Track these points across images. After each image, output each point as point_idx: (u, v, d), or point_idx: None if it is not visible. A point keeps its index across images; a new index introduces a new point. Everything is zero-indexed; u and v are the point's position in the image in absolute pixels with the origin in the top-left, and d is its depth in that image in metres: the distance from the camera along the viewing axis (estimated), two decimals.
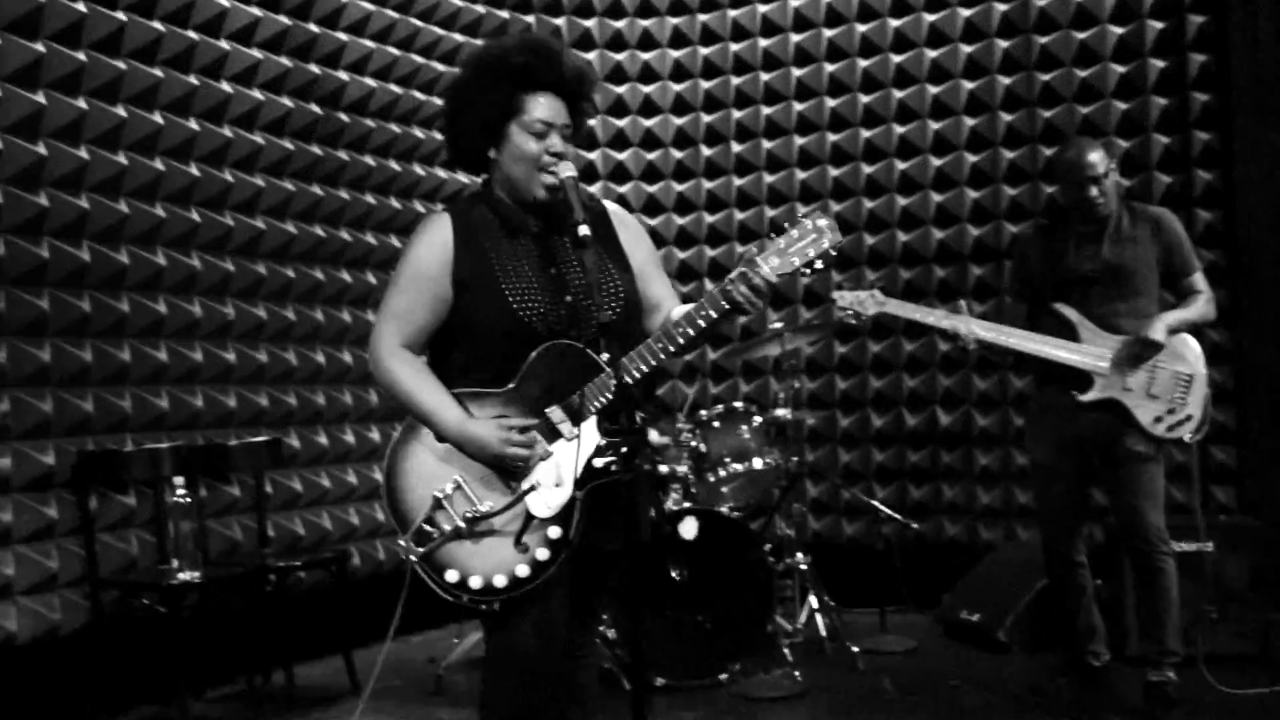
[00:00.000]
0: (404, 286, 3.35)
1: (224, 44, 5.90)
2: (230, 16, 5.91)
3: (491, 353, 3.27)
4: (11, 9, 5.03)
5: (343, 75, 6.55)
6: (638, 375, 3.14)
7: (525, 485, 3.19)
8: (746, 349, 6.44)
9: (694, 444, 6.00)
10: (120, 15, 5.41)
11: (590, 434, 3.19)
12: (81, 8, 5.25)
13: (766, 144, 7.78)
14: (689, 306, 3.20)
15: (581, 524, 3.17)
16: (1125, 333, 4.90)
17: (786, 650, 5.70)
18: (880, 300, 5.06)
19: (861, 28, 7.51)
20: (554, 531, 3.15)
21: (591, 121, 7.81)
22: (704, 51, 7.87)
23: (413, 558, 3.23)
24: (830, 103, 7.61)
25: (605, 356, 3.16)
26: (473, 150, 3.38)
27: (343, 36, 6.53)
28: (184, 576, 5.08)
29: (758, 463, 6.03)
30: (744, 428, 6.08)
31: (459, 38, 7.30)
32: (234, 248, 6.02)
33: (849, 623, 6.48)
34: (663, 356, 3.16)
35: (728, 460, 6.01)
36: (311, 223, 6.44)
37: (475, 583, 3.17)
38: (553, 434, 3.21)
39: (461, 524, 3.20)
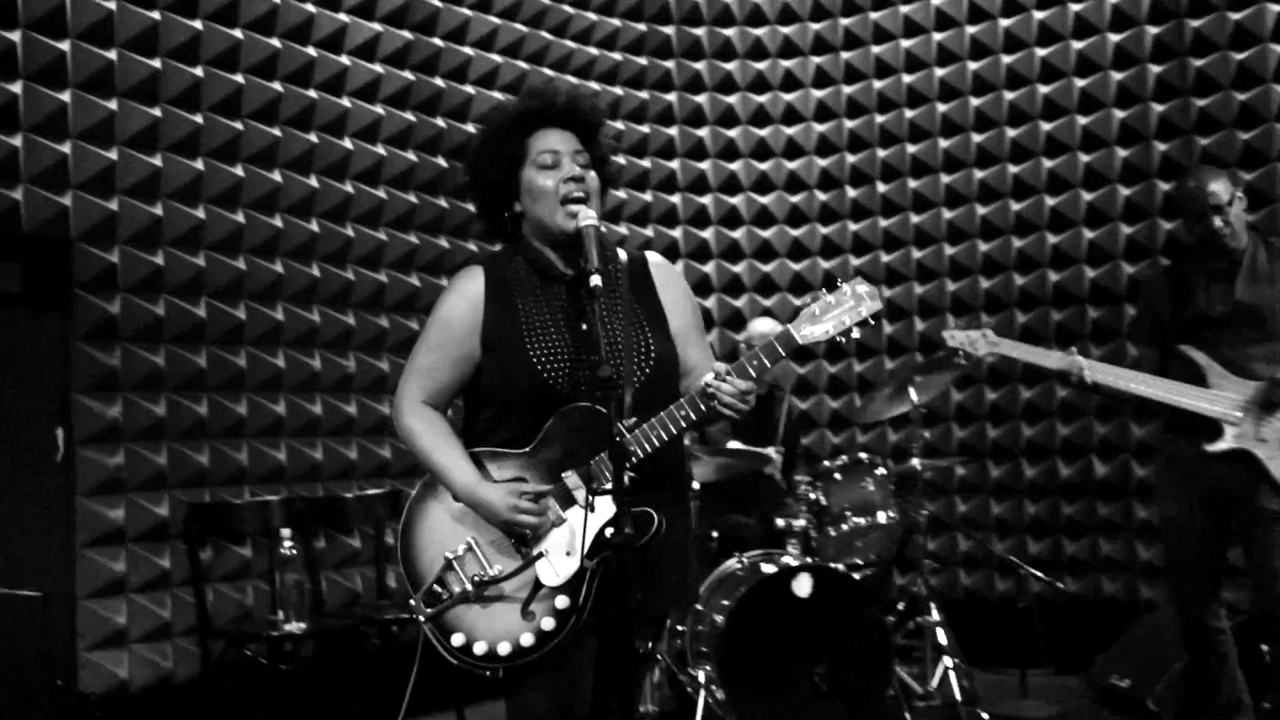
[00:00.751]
0: (431, 344, 3.27)
1: (345, 101, 6.02)
2: (351, 75, 6.03)
3: (513, 412, 3.17)
4: (134, 72, 5.24)
5: (469, 127, 6.61)
6: (641, 455, 3.00)
7: (534, 552, 3.08)
8: (876, 409, 6.19)
9: (813, 496, 5.78)
10: (239, 78, 5.57)
11: (604, 503, 3.03)
12: (199, 72, 5.42)
13: (882, 187, 7.55)
14: (704, 380, 3.01)
15: (591, 595, 3.03)
16: (1259, 378, 4.50)
17: (908, 715, 5.41)
18: (993, 341, 4.78)
19: (973, 65, 7.20)
20: (561, 601, 3.01)
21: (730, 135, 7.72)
22: (847, 89, 7.68)
23: (421, 618, 3.17)
24: (943, 143, 7.34)
25: (631, 420, 3.04)
26: (499, 212, 3.27)
27: (469, 88, 6.60)
28: (290, 628, 5.12)
29: (881, 516, 5.77)
30: (867, 480, 5.83)
31: (593, 51, 7.32)
32: (356, 301, 6.10)
33: (986, 685, 6.13)
34: (657, 444, 3.01)
35: (849, 514, 5.77)
36: (437, 275, 6.48)
37: (479, 648, 3.08)
38: (568, 500, 3.08)
39: (470, 587, 3.11)
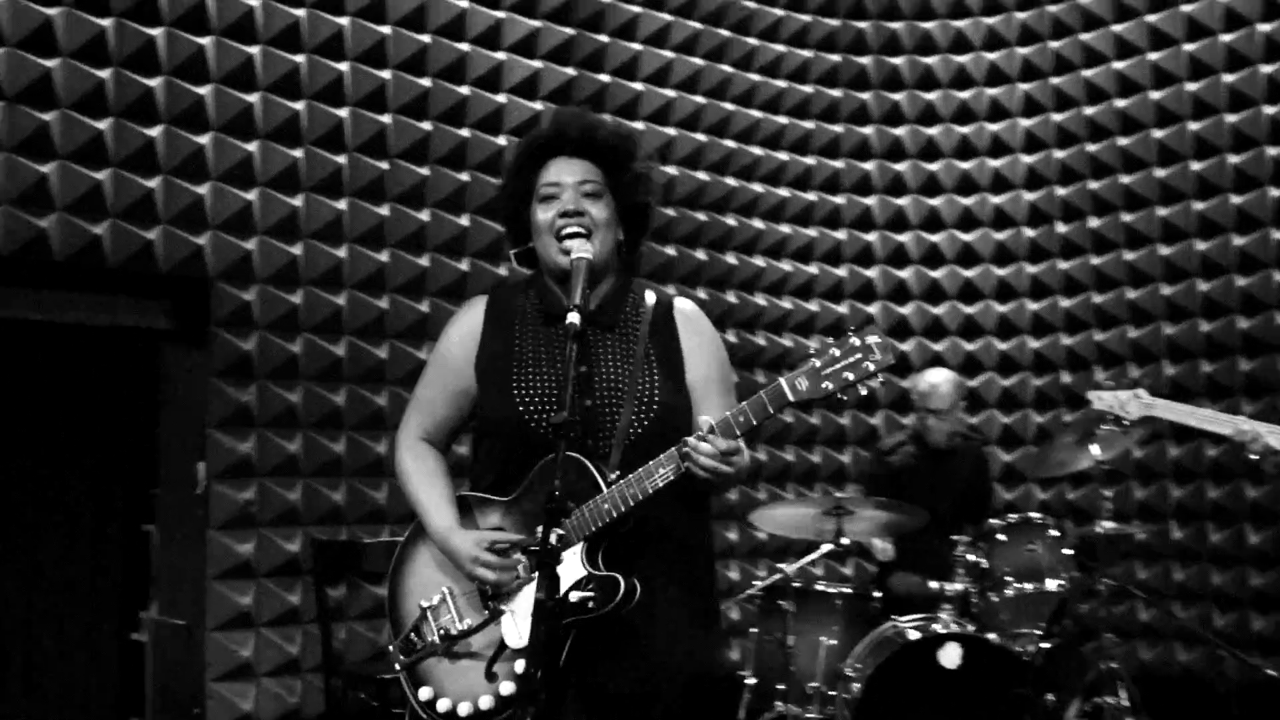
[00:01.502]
0: (429, 377, 3.16)
1: (500, 140, 5.98)
2: (508, 110, 5.99)
3: (499, 455, 2.99)
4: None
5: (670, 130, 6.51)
6: (615, 515, 2.76)
7: (499, 609, 2.86)
8: (1053, 463, 5.62)
9: (972, 559, 5.25)
10: (385, 119, 5.61)
11: (572, 563, 2.79)
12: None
13: (1061, 227, 6.97)
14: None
15: (557, 663, 2.74)
16: None
17: None
18: (1147, 403, 4.24)
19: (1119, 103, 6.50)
20: (520, 665, 2.77)
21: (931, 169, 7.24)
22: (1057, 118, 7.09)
23: (397, 666, 3.00)
24: (1092, 185, 6.75)
25: (615, 474, 2.79)
26: (521, 247, 3.09)
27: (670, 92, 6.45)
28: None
29: (1050, 584, 5.19)
30: (1036, 542, 5.26)
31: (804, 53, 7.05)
32: None
33: None
34: (631, 503, 2.75)
35: (1011, 579, 5.22)
36: None
37: (443, 705, 2.88)
38: None
39: (436, 640, 2.92)
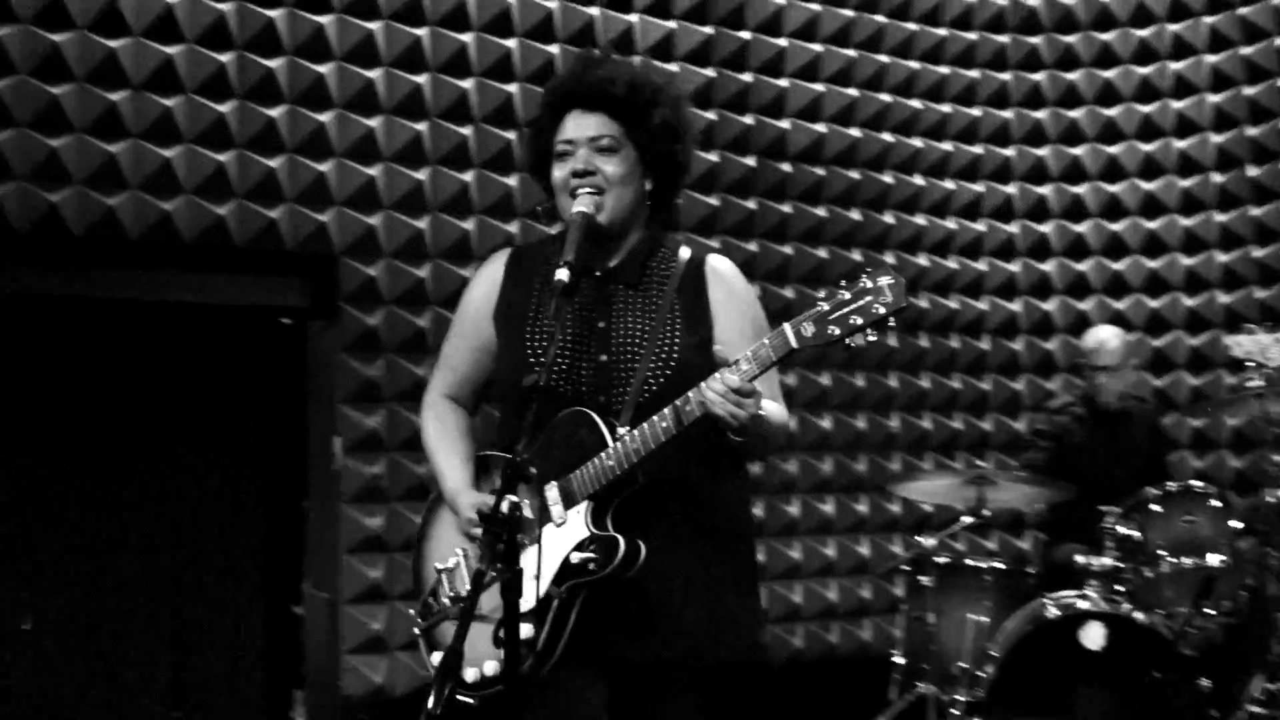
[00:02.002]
0: (452, 333, 3.12)
1: None
2: None
3: (514, 410, 2.91)
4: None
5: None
6: (620, 472, 2.66)
7: (466, 584, 2.82)
8: (1209, 408, 5.19)
9: (1124, 531, 4.87)
10: (511, 88, 5.56)
11: (575, 524, 2.70)
12: (468, 84, 5.46)
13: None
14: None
15: (564, 627, 2.68)
16: None
17: None
18: None
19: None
20: (524, 630, 2.63)
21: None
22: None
23: (416, 631, 2.99)
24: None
25: (624, 431, 2.68)
26: (543, 193, 3.03)
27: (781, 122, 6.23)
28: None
29: (1212, 559, 4.78)
30: (1196, 514, 4.84)
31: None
32: None
33: None
34: (634, 459, 2.65)
35: (1165, 554, 4.82)
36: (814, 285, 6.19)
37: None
38: (545, 516, 2.76)
39: (447, 603, 2.87)
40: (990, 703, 4.60)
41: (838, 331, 2.50)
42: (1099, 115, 6.82)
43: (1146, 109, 6.72)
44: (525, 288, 2.95)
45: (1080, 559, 4.86)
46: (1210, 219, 6.52)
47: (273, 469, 5.59)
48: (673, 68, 5.89)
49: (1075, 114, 6.86)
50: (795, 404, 6.14)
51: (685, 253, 2.93)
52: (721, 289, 2.90)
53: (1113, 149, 6.80)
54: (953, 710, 4.85)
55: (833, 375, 6.26)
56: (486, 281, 3.02)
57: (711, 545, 2.83)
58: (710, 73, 6.01)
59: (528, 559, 2.67)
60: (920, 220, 6.60)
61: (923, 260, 6.58)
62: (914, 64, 6.61)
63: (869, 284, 2.51)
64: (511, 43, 5.56)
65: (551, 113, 2.93)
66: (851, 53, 6.39)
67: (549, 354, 2.71)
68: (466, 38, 5.46)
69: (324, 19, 5.18)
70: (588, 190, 2.82)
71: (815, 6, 6.28)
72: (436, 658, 2.87)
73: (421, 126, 5.37)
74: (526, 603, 2.67)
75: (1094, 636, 4.58)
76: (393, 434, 5.30)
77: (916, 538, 5.19)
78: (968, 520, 5.04)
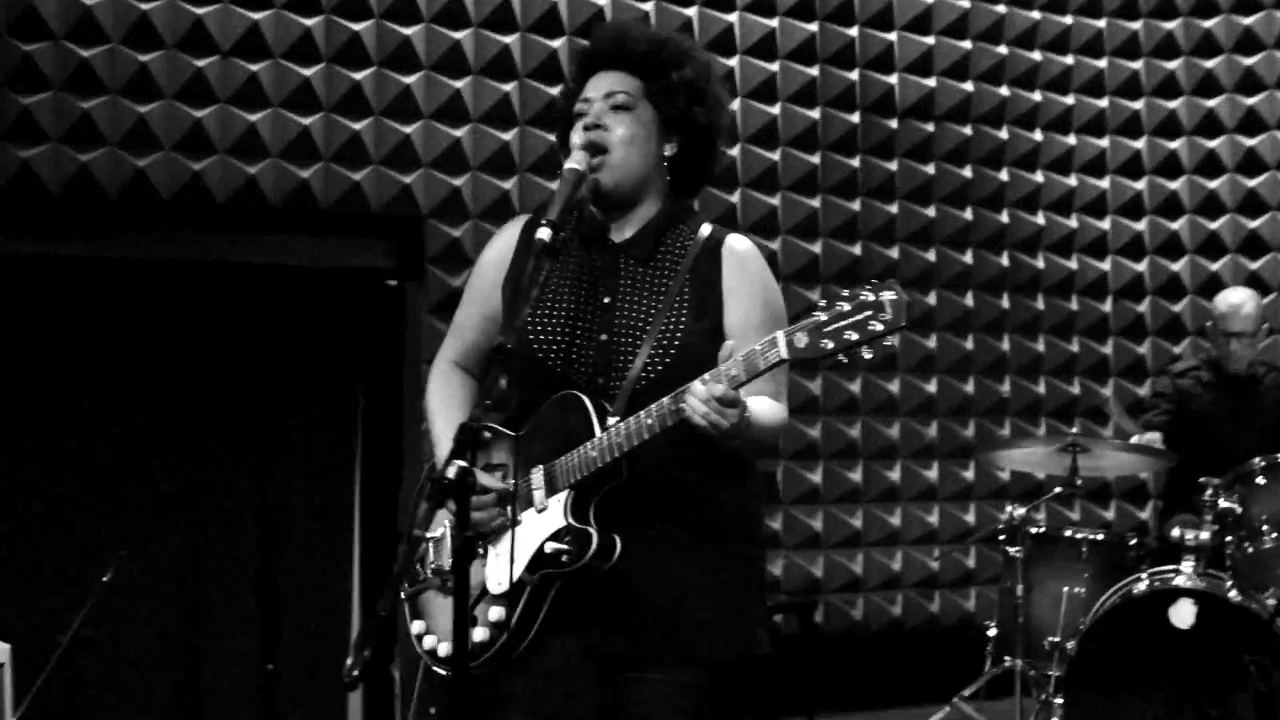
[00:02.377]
0: (464, 299, 2.99)
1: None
2: None
3: (513, 385, 2.83)
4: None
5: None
6: (602, 464, 2.54)
7: (483, 549, 2.69)
8: None
9: (1225, 505, 4.58)
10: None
11: (555, 512, 2.61)
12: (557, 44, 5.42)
13: None
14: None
15: (536, 614, 2.59)
16: None
17: None
18: None
19: None
20: (495, 612, 2.58)
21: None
22: None
23: (401, 595, 2.90)
24: None
25: (614, 419, 2.56)
26: None
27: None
28: None
29: None
30: None
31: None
32: None
33: None
34: (617, 453, 2.52)
35: (1268, 528, 4.53)
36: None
37: (428, 642, 2.76)
38: (529, 500, 2.67)
39: (430, 574, 2.81)
40: (1072, 677, 4.39)
41: (831, 345, 2.34)
42: (1236, 64, 6.43)
43: None
44: (525, 260, 2.76)
45: (1176, 532, 4.59)
46: None
47: (371, 428, 5.67)
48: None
49: (1210, 64, 6.49)
50: (899, 367, 5.99)
51: (705, 230, 2.76)
52: (736, 273, 2.71)
53: (1251, 100, 6.42)
54: (1040, 684, 4.66)
55: (938, 337, 6.07)
56: (500, 247, 2.88)
57: (701, 547, 2.68)
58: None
59: (504, 542, 2.63)
60: (1038, 177, 6.34)
61: (1040, 219, 6.33)
62: (1035, 14, 6.33)
63: (870, 297, 2.33)
64: (603, 0, 5.51)
65: (579, 77, 2.81)
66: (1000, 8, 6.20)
67: (518, 317, 2.55)
68: None
69: None
70: (590, 142, 2.67)
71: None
72: (417, 626, 2.80)
73: (509, 86, 5.36)
74: (499, 585, 2.63)
75: (1183, 614, 4.32)
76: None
77: (1010, 507, 4.99)
78: (1058, 490, 4.82)
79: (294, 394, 5.38)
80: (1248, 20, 6.39)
